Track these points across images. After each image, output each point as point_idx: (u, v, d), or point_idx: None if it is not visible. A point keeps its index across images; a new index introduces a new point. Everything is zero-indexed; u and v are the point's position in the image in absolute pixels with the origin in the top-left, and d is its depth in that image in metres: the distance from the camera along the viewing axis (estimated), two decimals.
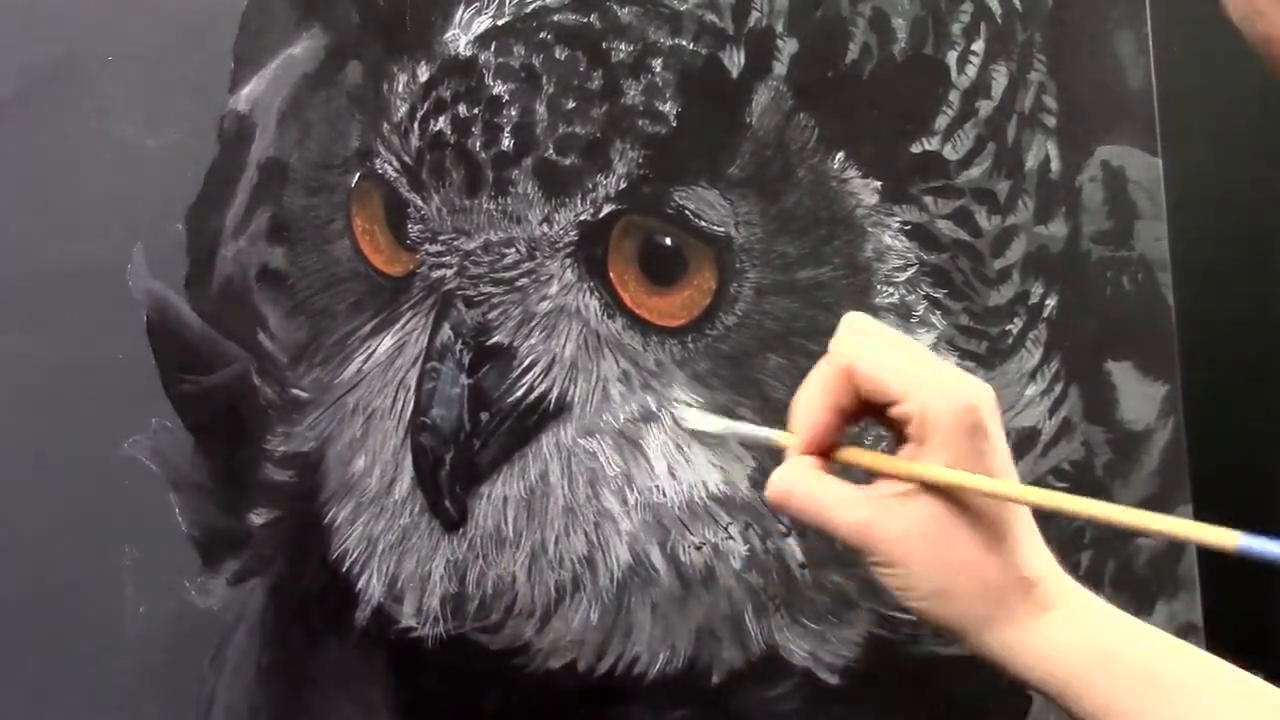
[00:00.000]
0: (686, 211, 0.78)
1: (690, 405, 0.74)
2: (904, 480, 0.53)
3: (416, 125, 0.80)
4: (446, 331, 0.80)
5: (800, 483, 0.55)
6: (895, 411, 0.53)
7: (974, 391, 0.53)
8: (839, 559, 0.81)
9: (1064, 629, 0.53)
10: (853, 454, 0.55)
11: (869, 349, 0.54)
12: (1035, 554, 0.54)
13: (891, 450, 0.55)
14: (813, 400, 0.55)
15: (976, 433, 0.53)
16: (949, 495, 0.53)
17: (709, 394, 0.79)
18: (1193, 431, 0.86)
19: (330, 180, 0.86)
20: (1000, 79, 0.82)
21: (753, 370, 0.79)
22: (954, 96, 0.81)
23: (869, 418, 0.56)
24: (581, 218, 0.78)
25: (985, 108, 0.82)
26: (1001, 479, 0.53)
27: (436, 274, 0.81)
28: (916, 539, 0.53)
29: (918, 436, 0.53)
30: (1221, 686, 0.53)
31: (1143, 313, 0.86)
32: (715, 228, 0.78)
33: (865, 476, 0.55)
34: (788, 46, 0.79)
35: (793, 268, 0.79)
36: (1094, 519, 0.52)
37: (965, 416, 0.52)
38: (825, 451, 0.56)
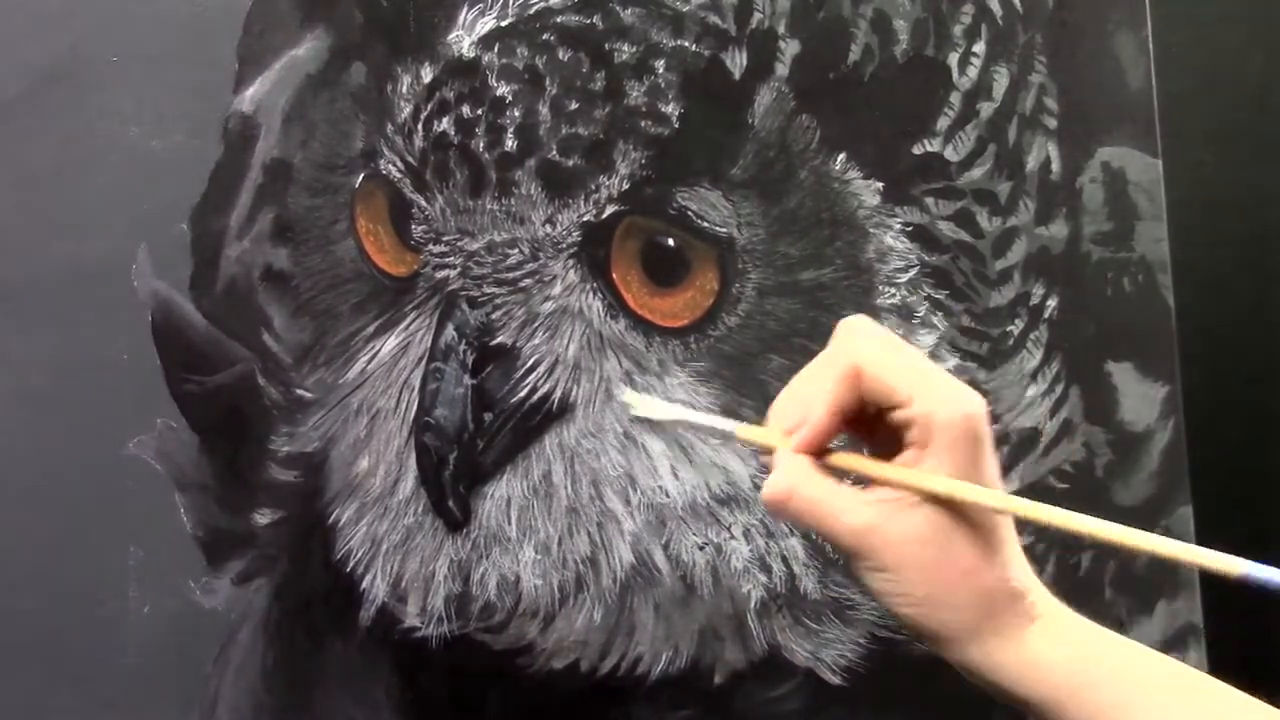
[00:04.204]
0: (689, 212, 0.78)
1: (636, 392, 0.72)
2: (907, 490, 0.53)
3: (420, 126, 0.80)
4: (450, 332, 0.80)
5: (801, 484, 0.54)
6: (899, 415, 0.53)
7: (975, 400, 0.53)
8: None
9: (1048, 642, 0.53)
10: (848, 460, 0.55)
11: (877, 351, 0.54)
12: (1023, 567, 0.55)
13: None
14: (814, 400, 0.54)
15: (978, 441, 0.53)
16: (948, 505, 0.53)
17: (712, 394, 0.79)
18: (1192, 432, 0.87)
19: (334, 181, 0.86)
20: (1001, 80, 0.82)
21: (755, 371, 0.79)
22: (955, 98, 0.81)
23: (851, 427, 0.55)
24: (584, 218, 0.78)
25: (986, 109, 0.82)
26: (994, 489, 0.53)
27: (440, 274, 0.81)
28: (915, 545, 0.53)
29: (920, 441, 0.53)
30: (1204, 702, 0.54)
31: (1143, 314, 0.86)
32: (718, 229, 0.78)
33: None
34: (790, 48, 0.79)
35: (795, 269, 0.79)
36: (1095, 538, 0.52)
37: (970, 423, 0.53)
38: (818, 454, 0.55)
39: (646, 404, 0.62)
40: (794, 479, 0.54)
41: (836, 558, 0.81)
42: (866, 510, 0.53)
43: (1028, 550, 0.84)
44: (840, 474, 0.55)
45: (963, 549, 0.53)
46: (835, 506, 0.53)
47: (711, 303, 0.79)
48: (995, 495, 0.53)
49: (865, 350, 0.54)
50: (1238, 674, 0.91)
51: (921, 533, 0.53)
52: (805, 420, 0.54)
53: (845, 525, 0.53)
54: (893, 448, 0.54)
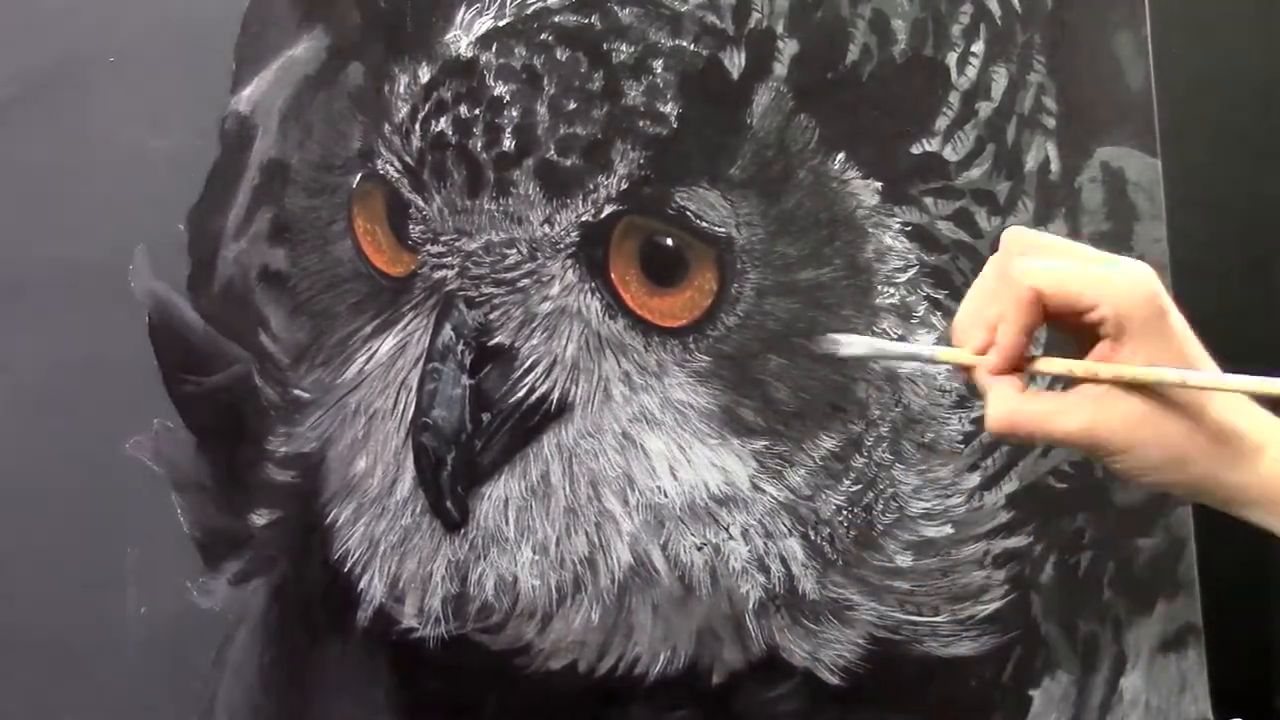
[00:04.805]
0: (688, 212, 0.78)
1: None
2: (1113, 382, 0.57)
3: (418, 126, 0.80)
4: (448, 332, 0.80)
5: (1018, 406, 0.58)
6: (1089, 318, 0.57)
7: (1148, 278, 0.57)
8: (843, 558, 0.81)
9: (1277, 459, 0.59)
10: (1052, 364, 0.59)
11: (1051, 271, 0.57)
12: (1236, 405, 0.59)
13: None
14: (1000, 323, 0.58)
15: (1163, 318, 0.57)
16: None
17: (711, 394, 0.79)
18: None
19: (331, 181, 0.86)
20: (1000, 80, 0.82)
21: (754, 370, 0.79)
22: (954, 98, 0.81)
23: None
24: (583, 218, 0.78)
25: (985, 109, 0.82)
26: (1190, 354, 0.57)
27: (438, 275, 0.81)
28: (1137, 424, 0.57)
29: (1114, 335, 0.57)
30: None
31: None
32: (716, 228, 0.78)
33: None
34: (788, 47, 0.79)
35: (794, 268, 0.79)
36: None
37: (1152, 305, 0.57)
38: (1016, 369, 0.58)
39: (849, 343, 0.64)
40: (1010, 403, 0.58)
41: (835, 558, 0.81)
42: (1083, 410, 0.57)
43: (1026, 551, 0.84)
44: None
45: (1178, 412, 0.57)
46: (1056, 416, 0.58)
47: (710, 302, 0.79)
48: (1188, 374, 0.56)
49: (1040, 274, 0.57)
50: (1238, 674, 0.91)
51: (1138, 411, 0.57)
52: (996, 342, 0.58)
53: (1072, 428, 0.57)
54: (1085, 337, 0.58)
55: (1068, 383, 0.58)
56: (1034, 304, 0.57)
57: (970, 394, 0.82)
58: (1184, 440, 0.57)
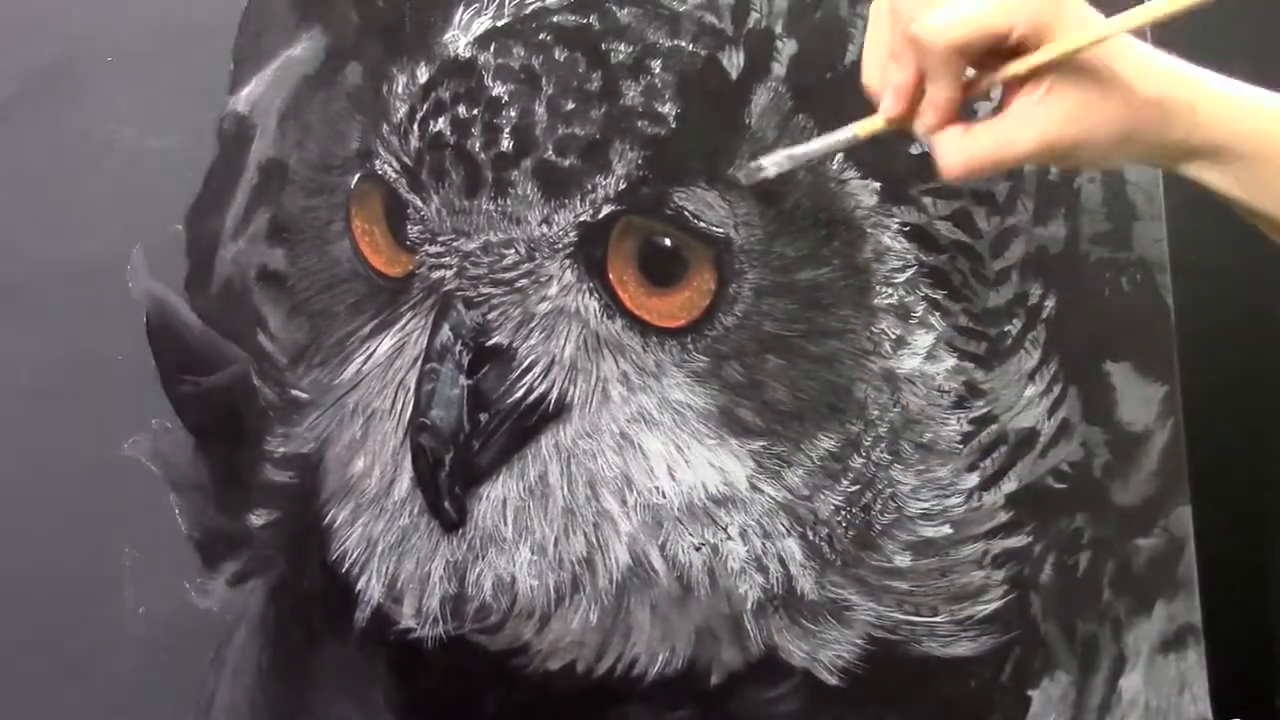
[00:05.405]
0: (686, 212, 0.78)
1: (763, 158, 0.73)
2: (1043, 69, 0.60)
3: (416, 126, 0.80)
4: (446, 332, 0.80)
5: (968, 146, 0.62)
6: (1008, 44, 0.60)
7: None
8: (841, 558, 0.81)
9: (1218, 106, 0.63)
10: (986, 80, 0.62)
11: (956, 22, 0.60)
12: (1155, 76, 0.62)
13: None
14: (934, 84, 0.61)
15: (1062, 4, 0.60)
16: (1075, 74, 0.60)
17: (709, 394, 0.79)
18: (1191, 432, 0.86)
19: (330, 181, 0.86)
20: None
21: (752, 371, 0.79)
22: None
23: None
24: (581, 218, 0.78)
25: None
26: (1090, 27, 0.60)
27: (436, 275, 0.81)
28: (1080, 114, 0.60)
29: (1035, 44, 0.60)
30: None
31: (1141, 314, 0.86)
32: (714, 229, 0.78)
33: None
34: (787, 47, 0.79)
35: (792, 269, 0.79)
36: None
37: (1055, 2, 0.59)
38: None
39: (772, 162, 0.70)
40: (961, 148, 0.62)
41: (834, 558, 0.81)
42: (1031, 123, 0.61)
43: (1025, 551, 0.84)
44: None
45: (1111, 92, 0.61)
46: (1008, 140, 0.61)
47: (708, 303, 0.79)
48: (1096, 28, 0.60)
49: (952, 32, 0.60)
50: (1238, 674, 0.91)
51: (1077, 103, 0.60)
52: (929, 103, 0.62)
53: (1029, 144, 0.61)
54: (990, 64, 0.61)
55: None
56: (958, 60, 0.60)
57: (969, 394, 0.82)
58: (1124, 114, 0.60)
